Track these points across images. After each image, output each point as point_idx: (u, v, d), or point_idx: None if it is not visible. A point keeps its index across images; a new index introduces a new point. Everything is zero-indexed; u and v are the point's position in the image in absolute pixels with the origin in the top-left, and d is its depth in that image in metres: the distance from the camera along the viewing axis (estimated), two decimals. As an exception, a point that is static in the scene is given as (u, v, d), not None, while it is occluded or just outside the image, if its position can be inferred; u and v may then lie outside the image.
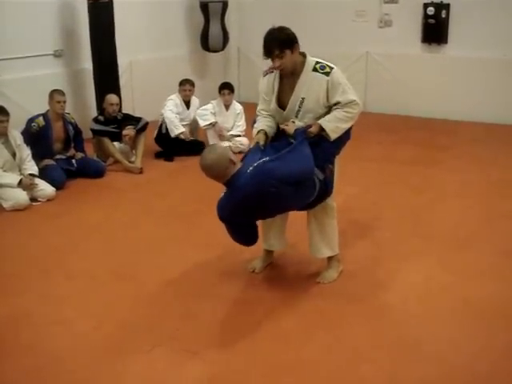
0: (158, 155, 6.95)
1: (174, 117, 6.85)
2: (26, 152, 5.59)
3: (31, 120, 5.88)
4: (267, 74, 3.71)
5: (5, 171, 5.44)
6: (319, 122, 3.56)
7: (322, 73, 3.54)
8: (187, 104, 7.10)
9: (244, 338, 3.28)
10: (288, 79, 3.62)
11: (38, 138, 5.85)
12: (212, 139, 6.96)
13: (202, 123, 7.02)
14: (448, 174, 6.14)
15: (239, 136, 7.11)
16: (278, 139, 3.69)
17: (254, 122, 3.81)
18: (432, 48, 8.65)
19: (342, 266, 3.96)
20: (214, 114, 7.09)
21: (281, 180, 3.31)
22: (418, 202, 5.33)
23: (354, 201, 5.25)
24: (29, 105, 6.38)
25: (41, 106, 5.99)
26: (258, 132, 3.69)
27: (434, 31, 8.49)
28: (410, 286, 3.83)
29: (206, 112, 7.07)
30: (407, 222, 4.87)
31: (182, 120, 6.99)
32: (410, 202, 5.35)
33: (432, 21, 8.42)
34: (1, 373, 3.02)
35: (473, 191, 5.60)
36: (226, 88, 7.16)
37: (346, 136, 3.66)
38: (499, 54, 8.03)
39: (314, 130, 3.54)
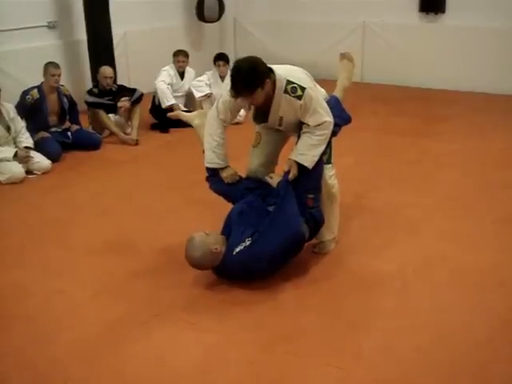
0: (153, 127, 6.92)
1: (165, 88, 6.78)
2: (20, 124, 5.54)
3: (25, 93, 5.82)
4: None
5: (0, 145, 5.41)
6: (295, 159, 3.50)
7: (294, 96, 3.39)
8: (181, 75, 7.05)
9: (241, 308, 3.30)
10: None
11: (32, 110, 5.80)
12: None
13: (197, 94, 6.99)
14: (446, 144, 6.12)
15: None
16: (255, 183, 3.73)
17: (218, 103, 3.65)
18: (429, 17, 8.57)
19: (338, 237, 3.97)
20: (209, 85, 7.05)
21: (270, 260, 3.41)
22: (416, 172, 5.33)
23: (350, 172, 5.22)
24: (23, 77, 6.32)
25: (35, 78, 5.92)
26: (225, 169, 3.72)
27: (432, 0, 8.40)
28: (408, 256, 3.85)
29: (200, 83, 7.03)
30: (404, 192, 4.87)
31: (175, 91, 6.95)
32: (407, 172, 5.34)
33: (429, -11, 8.34)
34: (3, 342, 3.05)
35: (471, 161, 5.59)
36: (221, 59, 7.10)
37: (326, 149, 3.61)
38: (497, 23, 7.94)
39: (294, 172, 3.50)
